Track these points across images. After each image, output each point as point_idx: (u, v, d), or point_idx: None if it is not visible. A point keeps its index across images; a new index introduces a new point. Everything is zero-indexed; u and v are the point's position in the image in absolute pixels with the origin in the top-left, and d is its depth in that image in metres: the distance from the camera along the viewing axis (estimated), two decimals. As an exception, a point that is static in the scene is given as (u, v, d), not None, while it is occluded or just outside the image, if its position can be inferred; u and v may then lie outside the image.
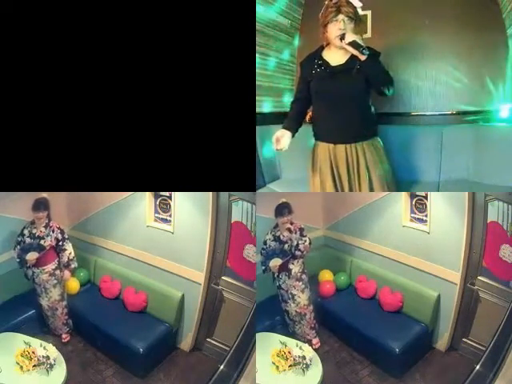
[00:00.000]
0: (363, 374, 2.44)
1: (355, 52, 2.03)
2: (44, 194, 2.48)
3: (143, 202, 2.72)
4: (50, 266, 2.55)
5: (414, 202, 2.74)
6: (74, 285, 2.82)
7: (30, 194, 2.46)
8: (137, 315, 2.67)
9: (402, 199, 2.76)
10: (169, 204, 2.67)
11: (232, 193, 2.48)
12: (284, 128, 2.20)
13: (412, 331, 2.54)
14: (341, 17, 2.04)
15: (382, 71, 2.11)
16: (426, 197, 2.66)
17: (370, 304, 2.84)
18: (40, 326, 2.61)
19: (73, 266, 2.62)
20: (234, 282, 2.54)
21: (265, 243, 2.52)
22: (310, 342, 2.55)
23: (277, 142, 2.16)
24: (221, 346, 2.54)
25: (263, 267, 2.52)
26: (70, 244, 2.61)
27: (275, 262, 2.48)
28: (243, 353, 2.10)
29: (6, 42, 2.09)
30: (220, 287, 2.57)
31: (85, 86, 2.13)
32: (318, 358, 2.23)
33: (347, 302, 2.89)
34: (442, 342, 2.60)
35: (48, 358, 2.12)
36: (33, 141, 2.13)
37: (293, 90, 3.26)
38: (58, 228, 2.56)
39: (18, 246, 2.51)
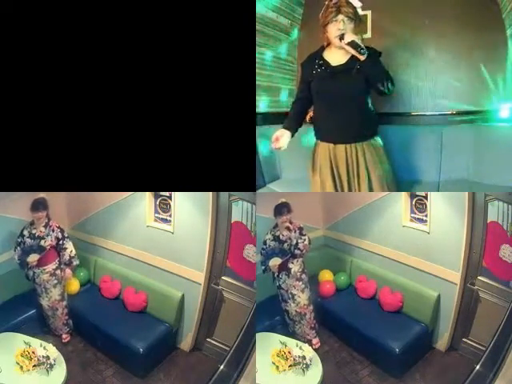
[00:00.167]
0: (363, 374, 2.44)
1: (354, 52, 2.04)
2: (42, 194, 2.47)
3: (143, 201, 2.72)
4: (51, 266, 2.55)
5: (413, 202, 2.74)
6: (73, 285, 2.82)
7: (30, 194, 2.46)
8: (137, 315, 2.67)
9: (402, 199, 2.76)
10: (169, 204, 2.67)
11: (232, 193, 2.48)
12: (284, 127, 2.21)
13: (412, 331, 2.54)
14: (340, 17, 2.04)
15: (381, 71, 2.11)
16: (426, 197, 2.66)
17: (369, 304, 2.84)
18: (40, 326, 2.61)
19: (74, 263, 2.61)
20: (234, 282, 2.54)
21: (264, 243, 2.53)
22: (310, 342, 2.55)
23: (276, 141, 2.16)
24: (221, 346, 2.54)
25: (263, 267, 2.52)
26: (71, 242, 2.61)
27: (275, 262, 2.48)
28: (243, 353, 2.10)
29: (5, 42, 2.09)
30: (220, 287, 2.57)
31: (85, 86, 2.13)
32: (318, 358, 2.23)
33: (347, 302, 2.89)
34: (441, 342, 2.60)
35: (48, 358, 2.12)
36: (33, 141, 2.13)
37: (292, 90, 3.28)
38: (58, 227, 2.56)
39: (19, 248, 2.51)
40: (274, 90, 3.21)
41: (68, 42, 2.10)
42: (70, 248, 2.59)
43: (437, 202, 2.59)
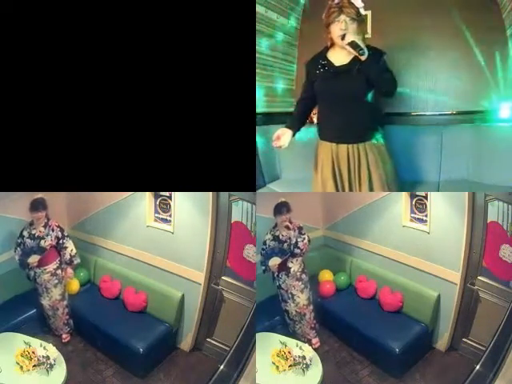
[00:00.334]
0: (363, 373, 2.44)
1: (354, 52, 2.04)
2: (40, 194, 2.47)
3: (143, 201, 2.72)
4: (52, 266, 2.55)
5: (414, 202, 2.74)
6: (73, 285, 2.82)
7: (30, 194, 2.46)
8: (137, 315, 2.67)
9: (402, 199, 2.76)
10: (169, 204, 2.67)
11: (232, 193, 2.47)
12: (286, 127, 2.22)
13: (412, 331, 2.54)
14: (343, 17, 2.04)
15: (382, 71, 2.10)
16: (426, 197, 2.66)
17: (369, 304, 2.84)
18: (40, 326, 2.61)
19: (75, 262, 2.61)
20: (234, 282, 2.54)
21: (264, 243, 2.53)
22: (309, 342, 2.55)
23: (277, 140, 2.17)
24: (221, 346, 2.54)
25: (263, 267, 2.52)
26: (71, 241, 2.61)
27: (274, 261, 2.48)
28: (243, 353, 2.10)
29: (5, 42, 2.09)
30: (220, 287, 2.57)
31: (85, 86, 2.13)
32: (318, 358, 2.23)
33: (347, 302, 2.89)
34: (441, 342, 2.60)
35: (48, 358, 2.12)
36: (33, 141, 2.13)
37: (291, 90, 3.27)
38: (58, 226, 2.56)
39: (19, 248, 2.51)
40: (273, 89, 3.21)
41: (68, 42, 2.10)
42: (70, 247, 2.59)
43: (437, 201, 2.59)
